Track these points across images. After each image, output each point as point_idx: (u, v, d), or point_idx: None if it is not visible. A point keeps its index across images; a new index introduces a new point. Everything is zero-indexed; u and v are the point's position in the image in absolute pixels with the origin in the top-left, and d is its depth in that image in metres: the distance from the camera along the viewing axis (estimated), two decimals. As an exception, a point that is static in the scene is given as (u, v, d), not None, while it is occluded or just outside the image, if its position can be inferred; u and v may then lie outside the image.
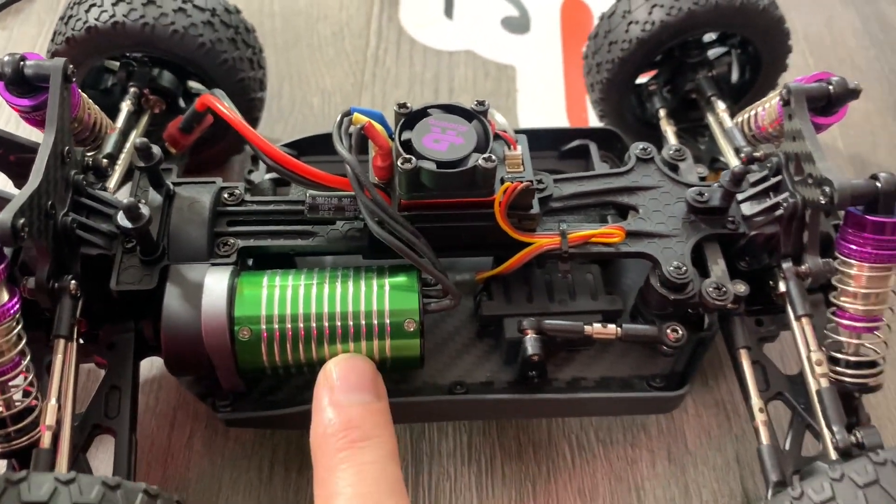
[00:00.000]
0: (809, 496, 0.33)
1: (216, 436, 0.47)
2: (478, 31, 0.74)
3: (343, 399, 0.34)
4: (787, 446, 0.40)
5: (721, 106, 0.52)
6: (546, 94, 0.69)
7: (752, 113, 0.47)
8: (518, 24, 0.75)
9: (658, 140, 0.53)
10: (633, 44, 0.53)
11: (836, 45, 0.71)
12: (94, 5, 0.49)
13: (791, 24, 0.64)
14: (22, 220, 0.34)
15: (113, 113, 0.49)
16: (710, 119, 0.52)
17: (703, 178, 0.46)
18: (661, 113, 0.55)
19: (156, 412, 0.47)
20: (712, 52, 0.57)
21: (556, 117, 0.66)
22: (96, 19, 0.48)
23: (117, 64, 0.53)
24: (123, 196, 0.43)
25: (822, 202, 0.38)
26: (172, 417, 0.47)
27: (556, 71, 0.71)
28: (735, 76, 0.57)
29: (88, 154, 0.44)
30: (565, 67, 0.71)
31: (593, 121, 0.63)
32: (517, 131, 0.46)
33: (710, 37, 0.57)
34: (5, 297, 0.36)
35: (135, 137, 0.49)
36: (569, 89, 0.69)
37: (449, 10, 0.75)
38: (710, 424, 0.48)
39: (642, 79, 0.58)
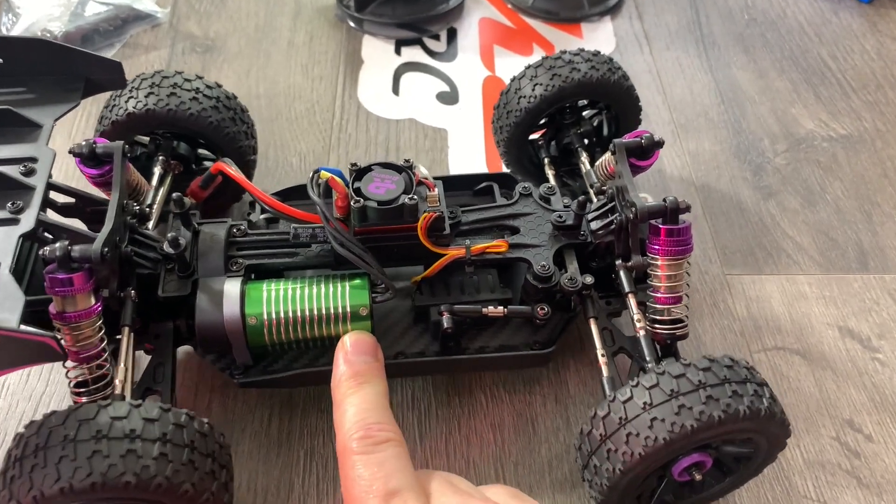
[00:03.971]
0: (624, 392, 0.49)
1: (228, 400, 0.62)
2: (418, 104, 0.87)
3: (353, 358, 0.47)
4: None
5: (583, 156, 0.67)
6: (470, 150, 0.82)
7: (604, 159, 0.65)
8: (449, 97, 0.89)
9: (545, 180, 0.68)
10: (522, 112, 0.68)
11: (695, 102, 0.88)
12: (131, 97, 0.62)
13: (660, 88, 0.83)
14: (105, 249, 0.49)
15: (144, 174, 0.62)
16: (580, 164, 0.69)
17: (566, 206, 0.60)
18: (546, 161, 0.70)
19: (182, 386, 0.62)
20: (587, 114, 0.72)
21: (477, 166, 0.80)
22: (133, 107, 0.61)
23: (145, 138, 0.66)
24: (158, 233, 0.58)
25: (632, 218, 0.56)
26: (195, 389, 0.62)
27: (478, 132, 0.84)
28: (605, 130, 0.72)
29: (135, 205, 0.60)
30: (485, 129, 0.84)
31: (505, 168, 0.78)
32: (440, 177, 0.60)
33: (583, 102, 0.71)
34: (93, 301, 0.49)
35: (163, 193, 0.63)
36: (487, 145, 0.83)
37: (396, 89, 0.89)
38: (585, 377, 0.64)
39: (534, 136, 0.72)
